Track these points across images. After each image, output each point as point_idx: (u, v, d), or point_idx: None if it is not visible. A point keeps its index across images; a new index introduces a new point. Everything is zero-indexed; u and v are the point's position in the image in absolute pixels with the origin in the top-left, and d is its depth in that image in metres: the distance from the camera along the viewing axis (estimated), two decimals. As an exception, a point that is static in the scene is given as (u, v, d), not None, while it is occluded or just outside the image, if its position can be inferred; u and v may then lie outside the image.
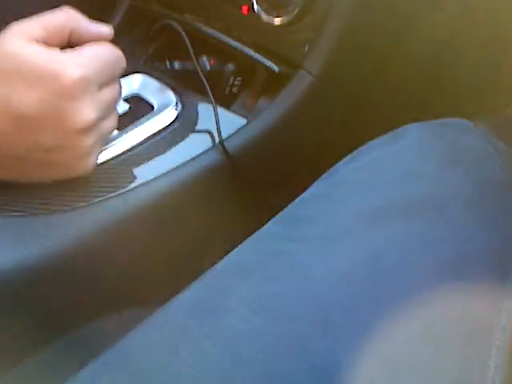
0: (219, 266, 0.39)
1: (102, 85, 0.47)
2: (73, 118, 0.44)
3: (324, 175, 0.43)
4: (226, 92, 0.62)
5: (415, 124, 0.43)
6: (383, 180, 0.39)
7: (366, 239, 0.36)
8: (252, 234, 0.41)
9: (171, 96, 0.59)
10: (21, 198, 0.47)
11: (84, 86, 0.44)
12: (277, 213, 0.42)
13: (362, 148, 0.43)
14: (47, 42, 0.45)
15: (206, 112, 0.58)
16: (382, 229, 0.36)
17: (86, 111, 0.44)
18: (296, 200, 0.41)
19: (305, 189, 0.43)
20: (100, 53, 0.47)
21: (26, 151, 0.44)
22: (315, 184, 0.43)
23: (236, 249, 0.39)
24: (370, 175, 0.40)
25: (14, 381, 0.31)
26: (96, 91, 0.46)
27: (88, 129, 0.45)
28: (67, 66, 0.43)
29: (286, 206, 0.42)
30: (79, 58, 0.45)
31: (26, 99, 0.42)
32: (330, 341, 0.32)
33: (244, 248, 0.39)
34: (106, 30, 0.49)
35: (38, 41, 0.44)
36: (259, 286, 0.35)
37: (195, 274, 0.40)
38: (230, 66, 0.61)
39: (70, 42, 0.47)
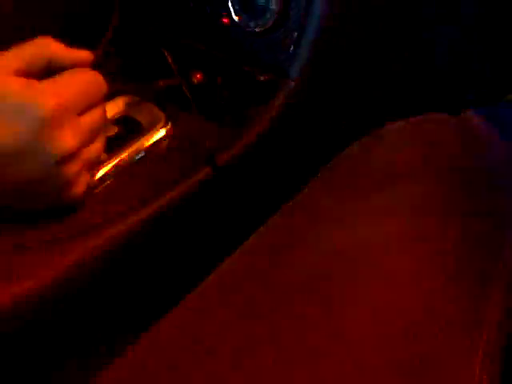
0: (208, 280, 0.39)
1: (82, 110, 0.47)
2: (50, 148, 0.43)
3: (311, 181, 0.43)
4: (215, 105, 0.61)
5: (396, 123, 0.42)
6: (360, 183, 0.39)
7: None
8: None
9: (159, 114, 0.59)
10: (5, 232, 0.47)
11: (60, 115, 0.43)
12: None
13: (346, 150, 0.43)
14: (24, 73, 0.45)
15: (195, 127, 0.58)
16: None
17: (64, 139, 0.44)
18: (279, 211, 0.41)
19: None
20: (78, 79, 0.46)
21: (11, 187, 0.44)
22: (300, 192, 0.42)
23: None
24: (350, 180, 0.39)
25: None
26: (75, 118, 0.45)
27: (69, 157, 0.45)
28: (42, 95, 0.43)
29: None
30: (55, 86, 0.44)
31: (2, 135, 0.42)
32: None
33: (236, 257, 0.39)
34: (84, 54, 0.49)
35: (14, 72, 0.44)
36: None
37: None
38: (217, 79, 0.61)
39: (50, 70, 0.47)
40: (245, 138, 0.55)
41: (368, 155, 0.41)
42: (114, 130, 0.57)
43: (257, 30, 0.57)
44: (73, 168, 0.46)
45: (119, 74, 0.68)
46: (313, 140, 0.59)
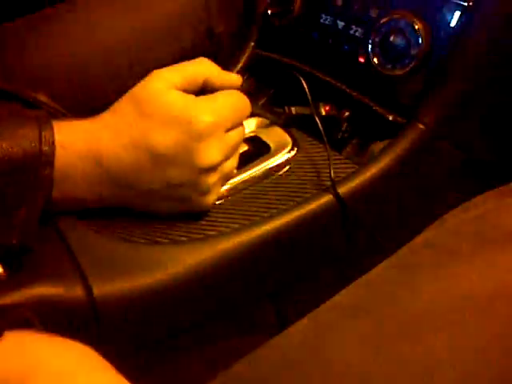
0: (327, 304, 0.41)
1: (229, 129, 0.51)
2: (200, 158, 0.48)
3: (433, 224, 0.45)
4: (339, 137, 0.64)
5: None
6: (492, 234, 0.40)
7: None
8: (359, 276, 0.43)
9: (287, 138, 0.63)
10: (145, 228, 0.52)
11: (214, 130, 0.49)
12: (385, 257, 0.44)
13: (472, 200, 0.44)
14: (184, 89, 0.50)
15: (319, 155, 0.61)
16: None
17: (213, 152, 0.49)
18: (405, 246, 0.43)
19: (415, 234, 0.45)
20: (230, 100, 0.52)
21: (159, 186, 0.49)
22: (425, 232, 0.44)
23: (344, 289, 0.41)
24: (480, 228, 0.41)
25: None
26: (223, 135, 0.50)
27: (212, 168, 0.50)
28: (201, 111, 0.48)
29: (394, 251, 0.44)
30: (212, 104, 0.49)
31: (164, 139, 0.47)
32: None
33: (352, 289, 0.42)
34: (235, 78, 0.54)
35: (176, 87, 0.49)
36: (367, 326, 0.37)
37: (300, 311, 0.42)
38: (345, 113, 0.64)
39: (203, 88, 0.52)
40: (368, 172, 0.58)
41: (497, 207, 0.42)
42: (243, 148, 0.61)
43: (394, 73, 0.59)
44: (212, 179, 0.51)
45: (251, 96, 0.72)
46: (436, 184, 0.61)
